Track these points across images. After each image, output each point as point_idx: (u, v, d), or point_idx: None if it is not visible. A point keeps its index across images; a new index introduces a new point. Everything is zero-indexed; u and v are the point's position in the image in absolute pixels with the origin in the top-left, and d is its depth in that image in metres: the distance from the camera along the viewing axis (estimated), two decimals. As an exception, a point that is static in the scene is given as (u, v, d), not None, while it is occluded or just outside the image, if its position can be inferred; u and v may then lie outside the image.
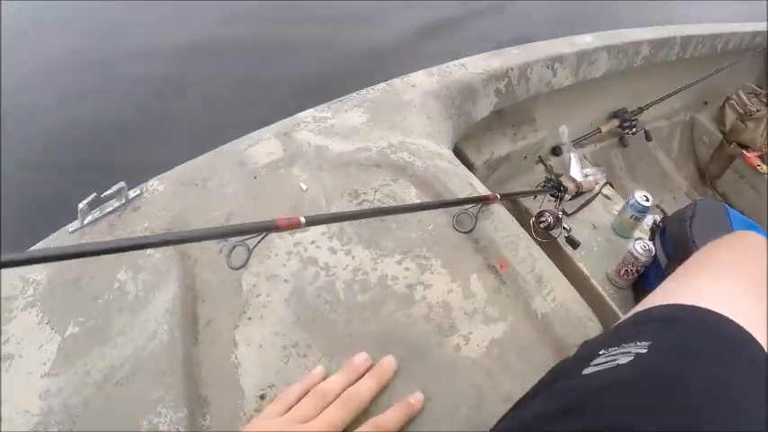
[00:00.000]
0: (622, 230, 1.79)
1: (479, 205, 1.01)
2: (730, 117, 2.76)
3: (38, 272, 0.98)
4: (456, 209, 1.02)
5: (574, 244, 1.63)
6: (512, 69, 1.60)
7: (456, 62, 1.55)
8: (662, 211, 2.49)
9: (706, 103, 3.02)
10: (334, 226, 1.00)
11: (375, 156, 1.14)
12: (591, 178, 1.91)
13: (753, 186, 2.69)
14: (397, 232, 0.99)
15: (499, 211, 1.04)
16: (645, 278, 1.58)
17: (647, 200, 1.69)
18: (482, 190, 1.10)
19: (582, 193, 1.83)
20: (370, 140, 1.19)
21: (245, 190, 1.09)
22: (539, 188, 1.56)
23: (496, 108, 1.61)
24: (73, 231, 1.04)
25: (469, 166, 1.65)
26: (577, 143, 2.17)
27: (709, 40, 2.54)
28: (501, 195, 1.05)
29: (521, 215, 1.82)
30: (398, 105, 1.31)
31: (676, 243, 1.42)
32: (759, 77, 3.58)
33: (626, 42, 2.04)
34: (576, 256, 1.66)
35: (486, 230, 1.00)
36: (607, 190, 1.95)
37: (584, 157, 2.22)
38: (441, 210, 1.03)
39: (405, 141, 1.18)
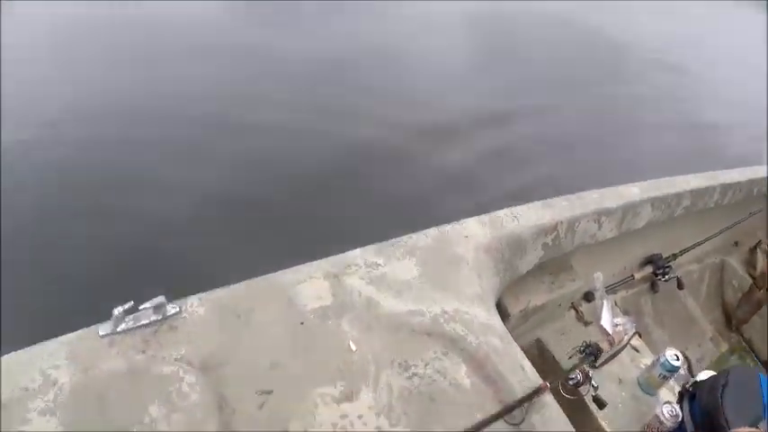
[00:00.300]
0: (648, 387, 1.77)
1: (531, 398, 1.01)
2: (761, 262, 2.76)
3: (62, 370, 0.92)
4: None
5: (600, 404, 1.61)
6: (561, 223, 1.63)
7: (508, 211, 1.56)
8: (686, 359, 2.46)
9: (737, 243, 3.02)
10: (383, 398, 0.98)
11: (428, 323, 1.13)
12: (620, 328, 1.93)
13: None
14: (447, 418, 0.98)
15: (550, 406, 1.04)
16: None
17: (678, 359, 1.68)
18: (533, 376, 1.09)
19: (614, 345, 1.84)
20: (423, 303, 1.17)
21: (291, 336, 1.06)
22: (577, 352, 1.55)
23: (542, 261, 1.64)
24: (104, 336, 0.99)
25: (505, 315, 1.64)
26: (610, 289, 2.17)
27: (746, 185, 2.60)
28: (550, 384, 1.05)
29: (547, 364, 1.81)
30: (451, 260, 1.30)
31: (706, 413, 1.41)
32: None
33: (670, 194, 2.09)
34: (601, 416, 1.63)
35: (536, 425, 0.99)
36: (636, 341, 1.94)
37: (615, 303, 2.21)
38: (488, 386, 1.02)
39: (459, 310, 1.17)
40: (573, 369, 1.54)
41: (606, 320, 1.94)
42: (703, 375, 1.63)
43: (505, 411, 0.98)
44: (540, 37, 8.41)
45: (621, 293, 2.33)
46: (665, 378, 1.72)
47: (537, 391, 1.01)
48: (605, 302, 1.99)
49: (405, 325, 1.12)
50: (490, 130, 5.17)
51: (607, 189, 1.93)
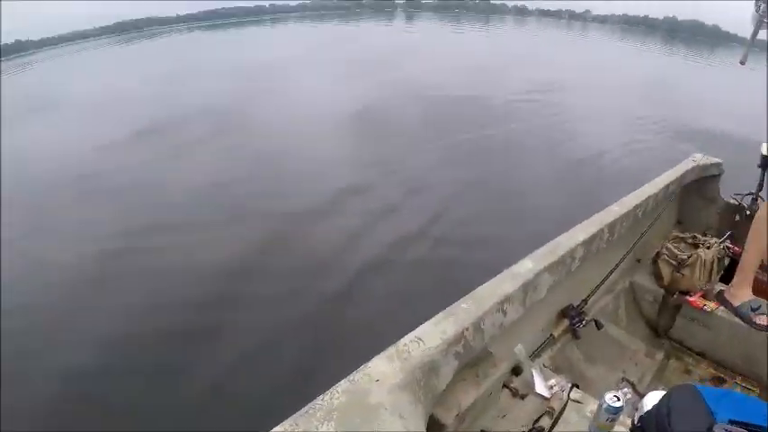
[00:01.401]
0: (602, 432, 1.86)
1: None
2: (666, 271, 2.96)
3: None
4: None
5: None
6: (467, 330, 1.68)
7: (412, 336, 1.58)
8: (629, 383, 2.59)
9: (639, 261, 3.26)
10: None
11: None
12: (556, 388, 2.02)
13: (705, 325, 2.85)
14: None
15: None
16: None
17: (618, 399, 1.77)
18: None
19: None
20: None
21: None
22: None
23: (458, 370, 1.67)
24: None
25: (439, 428, 1.65)
26: (535, 355, 2.29)
27: (631, 213, 2.84)
28: None
29: None
30: (369, 413, 1.28)
31: (660, 443, 1.51)
32: (677, 215, 3.96)
33: (563, 255, 2.25)
34: None
35: None
36: (575, 393, 2.03)
37: (544, 365, 2.32)
38: None
39: None
40: None
41: (540, 386, 2.04)
42: (648, 399, 1.73)
43: None
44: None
45: (547, 354, 2.45)
46: (613, 420, 1.82)
47: None
48: (533, 370, 2.09)
49: None
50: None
51: (503, 273, 2.04)
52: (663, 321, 3.05)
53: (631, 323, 3.08)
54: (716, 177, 3.96)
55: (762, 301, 2.80)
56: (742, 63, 2.66)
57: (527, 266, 2.10)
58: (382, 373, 1.40)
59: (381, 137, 8.84)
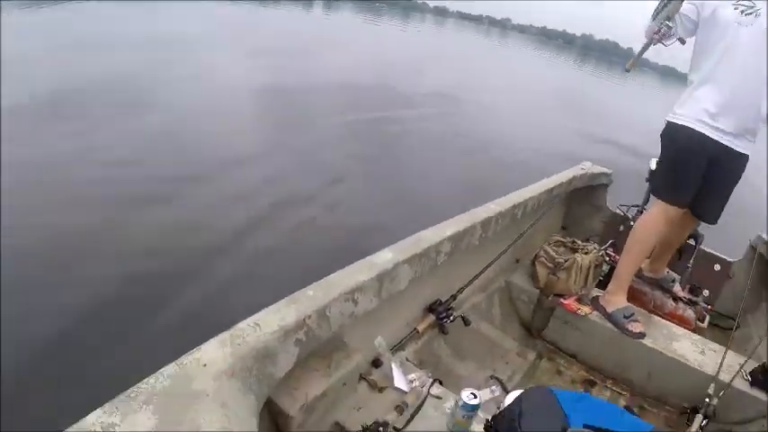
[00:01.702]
0: (460, 429, 1.76)
1: None
2: (542, 273, 2.92)
3: None
4: None
5: None
6: (309, 317, 1.56)
7: (250, 320, 1.46)
8: (498, 380, 2.53)
9: (518, 261, 3.23)
10: None
11: None
12: (416, 383, 1.91)
13: (577, 328, 2.83)
14: None
15: None
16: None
17: (475, 397, 1.70)
18: None
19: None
20: None
21: None
22: None
23: (300, 357, 1.56)
24: None
25: (285, 417, 1.55)
26: (398, 347, 2.17)
27: (509, 212, 2.78)
28: None
29: None
30: (189, 399, 1.18)
31: (510, 444, 1.41)
32: (562, 220, 3.99)
33: (427, 248, 2.14)
34: None
35: None
36: (436, 389, 1.94)
37: (407, 359, 2.21)
38: None
39: None
40: None
41: (399, 380, 1.92)
42: (509, 397, 1.66)
43: None
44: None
45: (412, 348, 2.34)
46: (471, 417, 1.73)
47: None
48: (393, 364, 1.98)
49: None
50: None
51: (359, 262, 1.91)
52: (537, 322, 3.01)
53: (505, 322, 3.03)
54: (604, 187, 4.04)
55: (635, 308, 2.84)
56: (627, 71, 2.73)
57: (386, 257, 1.99)
58: (212, 358, 1.30)
59: (282, 116, 8.59)
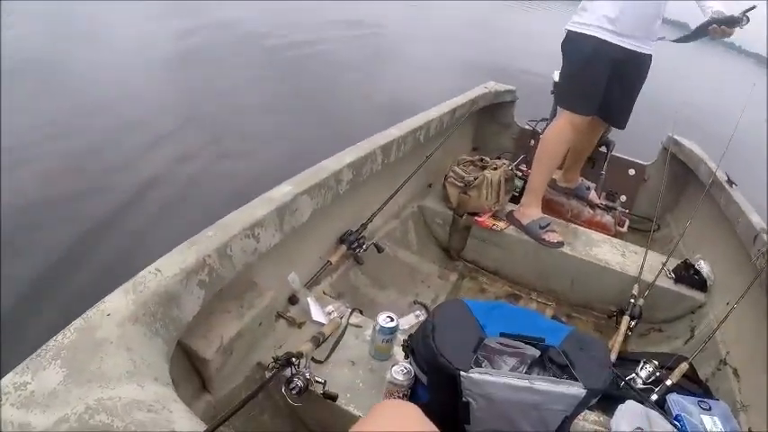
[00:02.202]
0: (381, 355, 1.74)
1: None
2: (453, 193, 2.90)
3: None
4: None
5: (332, 398, 1.53)
6: (208, 257, 1.50)
7: (151, 267, 1.42)
8: (422, 305, 2.53)
9: (430, 185, 3.20)
10: None
11: (75, 425, 1.00)
12: (335, 314, 1.87)
13: (496, 245, 2.85)
14: None
15: None
16: (414, 395, 1.53)
17: (392, 320, 1.67)
18: (186, 426, 1.01)
19: (329, 335, 1.77)
20: (68, 406, 1.04)
21: None
22: (270, 375, 1.45)
23: (207, 299, 1.50)
24: None
25: (201, 361, 1.52)
26: (313, 282, 2.11)
27: (410, 135, 2.72)
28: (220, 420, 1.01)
29: (271, 390, 1.71)
30: (94, 347, 1.17)
31: (427, 361, 1.38)
32: (472, 141, 3.98)
33: (326, 177, 2.06)
34: (343, 403, 1.56)
35: None
36: (355, 318, 1.91)
37: (324, 293, 2.16)
38: None
39: (101, 398, 1.06)
40: (290, 380, 1.46)
41: (317, 313, 1.88)
42: None
43: None
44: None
45: (327, 281, 2.29)
46: (390, 341, 1.71)
47: None
48: (309, 299, 1.92)
49: None
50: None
51: (257, 199, 1.84)
52: (455, 243, 3.01)
53: (422, 247, 3.01)
54: (510, 104, 4.04)
55: (551, 219, 2.87)
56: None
57: (284, 190, 1.91)
58: (115, 307, 1.27)
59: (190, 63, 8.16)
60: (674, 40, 2.69)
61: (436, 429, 0.82)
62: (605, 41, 2.49)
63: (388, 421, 0.84)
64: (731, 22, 2.34)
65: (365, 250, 2.39)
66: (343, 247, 2.30)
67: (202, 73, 7.70)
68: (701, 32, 2.45)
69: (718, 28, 2.35)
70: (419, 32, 15.58)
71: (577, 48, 2.59)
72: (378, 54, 10.95)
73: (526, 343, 1.38)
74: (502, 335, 1.39)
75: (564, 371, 1.33)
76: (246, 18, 11.61)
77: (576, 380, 1.29)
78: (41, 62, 6.70)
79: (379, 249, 2.51)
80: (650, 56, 2.64)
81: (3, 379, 1.09)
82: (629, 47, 2.52)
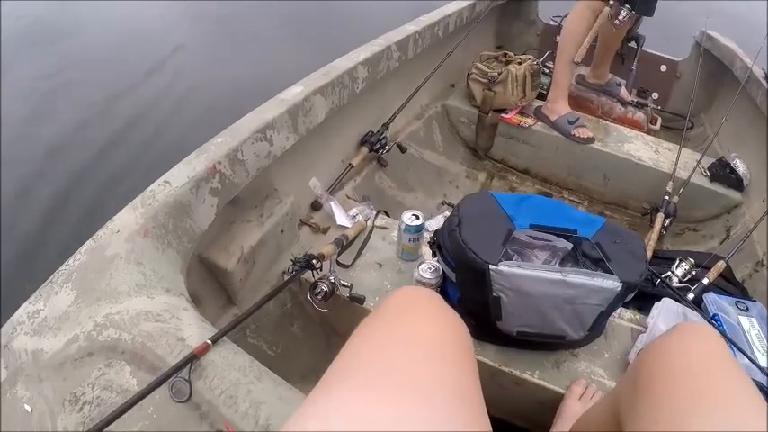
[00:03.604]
0: (409, 255, 1.71)
1: (189, 366, 0.92)
2: (477, 90, 2.78)
3: None
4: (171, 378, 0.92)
5: (359, 300, 1.51)
6: (219, 163, 1.45)
7: (159, 180, 1.38)
8: (450, 205, 2.48)
9: (453, 86, 3.07)
10: None
11: (84, 344, 1.01)
12: (359, 217, 1.84)
13: (524, 142, 2.77)
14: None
15: (214, 362, 0.97)
16: (444, 293, 1.50)
17: (418, 218, 1.62)
18: (193, 342, 1.00)
19: (354, 238, 1.74)
20: (79, 326, 1.04)
21: None
22: (289, 275, 1.42)
23: (221, 207, 1.47)
24: None
25: (223, 273, 1.50)
26: (336, 186, 2.06)
27: (428, 31, 2.59)
28: (228, 327, 1.03)
29: (297, 295, 1.71)
30: (104, 265, 1.15)
31: (454, 256, 1.34)
32: (495, 40, 3.82)
33: (339, 75, 1.97)
34: (371, 306, 1.54)
35: (202, 392, 0.92)
36: (381, 220, 1.87)
37: (348, 197, 2.10)
38: (152, 374, 0.93)
39: (109, 313, 1.05)
40: (314, 284, 1.44)
41: (341, 217, 1.84)
42: None
43: (153, 388, 0.90)
44: None
45: (351, 184, 2.23)
46: (417, 240, 1.67)
47: (191, 359, 0.94)
48: (332, 204, 1.88)
49: (67, 358, 1.00)
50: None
51: (267, 102, 1.76)
52: (482, 142, 2.91)
53: (449, 147, 2.92)
54: (533, 0, 3.84)
55: (580, 114, 2.76)
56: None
57: (295, 91, 1.82)
58: (124, 223, 1.25)
59: None
60: None
61: (456, 314, 0.75)
62: None
63: (402, 306, 0.75)
64: None
65: (388, 151, 2.31)
66: (365, 149, 2.23)
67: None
68: None
69: None
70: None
71: None
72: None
73: (558, 235, 1.34)
74: (532, 227, 1.34)
75: (598, 264, 1.29)
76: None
77: (612, 273, 1.25)
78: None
79: (402, 150, 2.43)
80: None
81: (17, 311, 1.10)
82: None
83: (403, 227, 1.62)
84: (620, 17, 2.49)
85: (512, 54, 2.86)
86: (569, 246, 1.33)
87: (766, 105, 2.67)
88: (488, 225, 1.33)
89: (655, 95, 3.58)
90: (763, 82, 2.79)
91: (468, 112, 2.87)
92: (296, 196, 1.77)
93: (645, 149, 2.66)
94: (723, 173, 2.52)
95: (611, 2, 2.46)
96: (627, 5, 2.59)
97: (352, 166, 2.14)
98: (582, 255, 1.32)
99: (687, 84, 3.49)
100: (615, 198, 2.72)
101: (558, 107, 2.70)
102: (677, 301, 1.64)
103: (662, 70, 3.63)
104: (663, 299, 1.64)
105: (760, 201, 2.36)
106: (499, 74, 2.66)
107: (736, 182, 2.50)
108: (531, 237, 1.33)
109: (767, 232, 2.16)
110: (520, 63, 2.75)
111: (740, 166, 2.51)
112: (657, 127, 3.19)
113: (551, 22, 3.78)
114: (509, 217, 1.36)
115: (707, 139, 3.06)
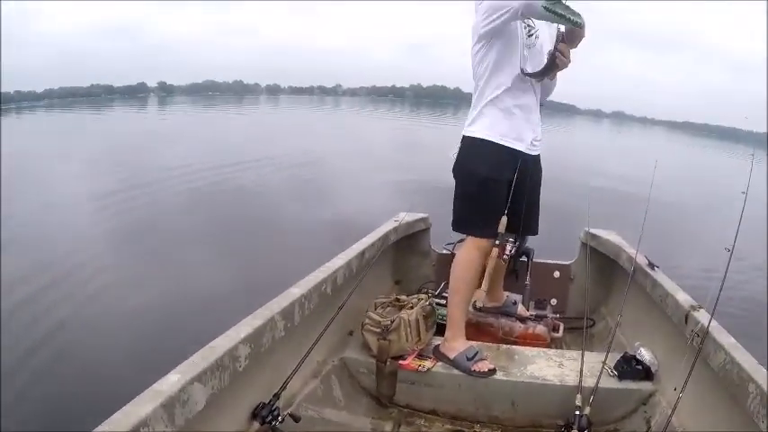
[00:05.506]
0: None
1: None
2: (372, 341, 2.76)
3: None
4: None
5: None
6: None
7: None
8: None
9: (351, 333, 3.02)
10: None
11: None
12: None
13: (427, 384, 2.72)
14: None
15: None
16: None
17: None
18: None
19: None
20: None
21: None
22: None
23: None
24: None
25: None
26: None
27: (315, 292, 2.59)
28: None
29: None
30: None
31: None
32: (393, 275, 3.90)
33: (220, 358, 1.91)
34: None
35: None
36: None
37: None
38: None
39: None
40: None
41: None
42: None
43: None
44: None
45: None
46: None
47: None
48: None
49: None
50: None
51: (142, 393, 1.64)
52: (384, 390, 2.80)
53: (350, 401, 2.80)
54: (425, 231, 4.00)
55: (477, 346, 2.78)
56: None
57: (171, 381, 1.73)
58: None
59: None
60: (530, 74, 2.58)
61: None
62: (509, 148, 2.59)
63: None
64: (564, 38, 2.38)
65: (281, 422, 2.23)
66: (256, 424, 2.14)
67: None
68: (551, 64, 2.47)
69: (559, 52, 2.40)
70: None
71: (481, 154, 2.66)
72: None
73: None
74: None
75: None
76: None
77: None
78: None
79: (296, 419, 2.30)
80: (539, 156, 2.75)
81: None
82: (526, 151, 2.62)
83: None
84: (508, 251, 2.64)
85: (404, 297, 2.92)
86: None
87: (655, 291, 2.80)
88: None
89: (553, 301, 3.68)
90: (648, 269, 2.94)
91: (367, 363, 2.81)
92: None
93: (548, 367, 2.67)
94: (630, 368, 2.54)
95: (497, 241, 2.63)
96: (511, 238, 2.77)
97: None
98: None
99: (582, 284, 3.60)
100: (527, 422, 2.65)
101: (456, 344, 2.72)
102: None
103: (555, 276, 3.78)
104: None
105: (672, 385, 2.29)
106: (392, 322, 2.68)
107: (644, 372, 2.52)
108: None
109: (687, 413, 2.17)
110: (412, 307, 2.80)
111: (646, 355, 2.55)
112: (560, 334, 3.22)
113: (443, 251, 3.90)
114: None
115: (611, 332, 3.08)
